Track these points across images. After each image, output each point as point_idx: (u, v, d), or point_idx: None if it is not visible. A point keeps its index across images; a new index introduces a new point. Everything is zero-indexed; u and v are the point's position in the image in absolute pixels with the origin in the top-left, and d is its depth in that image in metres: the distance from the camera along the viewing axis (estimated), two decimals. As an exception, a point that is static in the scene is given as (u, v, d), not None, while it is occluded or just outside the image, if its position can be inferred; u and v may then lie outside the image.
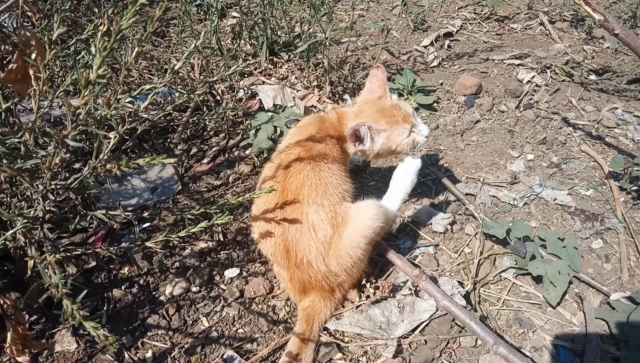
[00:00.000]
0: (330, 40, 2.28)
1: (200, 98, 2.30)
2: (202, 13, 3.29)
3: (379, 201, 1.47)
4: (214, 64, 2.63)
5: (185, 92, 2.21)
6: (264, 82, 2.51)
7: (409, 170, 1.50)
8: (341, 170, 1.47)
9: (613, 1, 3.39)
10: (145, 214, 1.76)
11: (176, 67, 1.14)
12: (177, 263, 1.59)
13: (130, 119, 1.14)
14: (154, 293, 1.50)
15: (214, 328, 1.40)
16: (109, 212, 1.30)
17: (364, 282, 1.44)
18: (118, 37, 0.89)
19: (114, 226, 1.69)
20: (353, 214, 1.36)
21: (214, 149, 2.14)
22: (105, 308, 1.43)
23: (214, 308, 1.46)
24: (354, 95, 2.50)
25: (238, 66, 1.33)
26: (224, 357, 1.31)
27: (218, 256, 1.64)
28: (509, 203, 1.83)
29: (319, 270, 1.30)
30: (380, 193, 1.94)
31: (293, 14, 2.84)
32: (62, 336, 1.33)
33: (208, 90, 2.35)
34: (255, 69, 2.61)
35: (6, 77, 1.25)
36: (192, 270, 1.57)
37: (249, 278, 1.56)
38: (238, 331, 1.40)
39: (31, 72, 1.25)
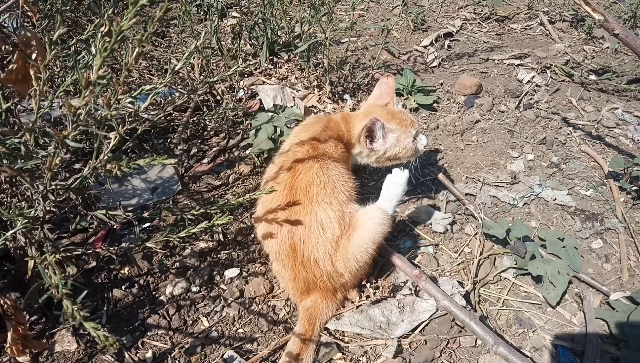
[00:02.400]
0: (330, 41, 2.28)
1: (200, 98, 2.30)
2: (202, 13, 3.29)
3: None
4: (214, 64, 2.64)
5: (185, 92, 2.21)
6: (264, 82, 2.51)
7: (397, 182, 1.46)
8: (345, 169, 1.49)
9: (613, 1, 3.39)
10: (146, 214, 1.76)
11: (176, 68, 1.14)
12: (177, 263, 1.60)
13: (130, 119, 1.14)
14: (154, 293, 1.50)
15: (214, 328, 1.40)
16: (109, 212, 1.30)
17: (364, 282, 1.45)
18: (119, 38, 0.89)
19: (114, 226, 1.69)
20: (362, 220, 1.37)
21: (214, 149, 2.14)
22: (105, 308, 1.44)
23: (214, 308, 1.46)
24: (354, 95, 2.51)
25: (238, 66, 1.32)
26: (224, 357, 1.31)
27: (218, 256, 1.64)
28: (508, 203, 1.83)
29: (325, 269, 1.30)
30: (379, 193, 1.94)
31: (293, 14, 2.84)
32: (62, 336, 1.33)
33: (208, 90, 2.35)
34: (255, 69, 2.61)
35: (7, 77, 1.25)
36: (192, 270, 1.57)
37: (249, 278, 1.56)
38: (238, 331, 1.40)
39: (31, 72, 1.26)
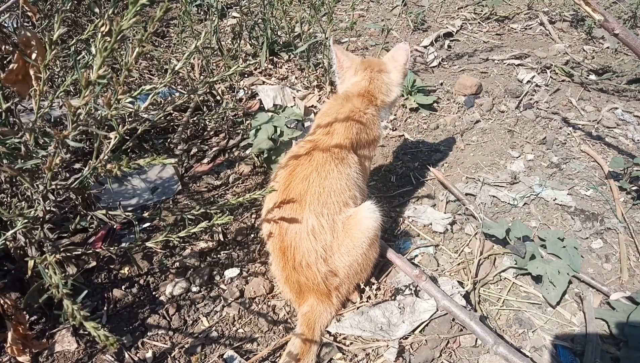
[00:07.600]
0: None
1: (200, 98, 2.30)
2: (202, 13, 3.29)
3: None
4: (214, 64, 2.64)
5: (185, 92, 2.22)
6: (264, 82, 2.51)
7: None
8: (353, 167, 1.45)
9: (613, 1, 3.39)
10: (146, 214, 1.76)
11: (176, 68, 1.14)
12: (177, 263, 1.60)
13: (130, 119, 1.14)
14: (154, 293, 1.50)
15: (214, 328, 1.40)
16: (109, 212, 1.30)
17: (362, 287, 1.44)
18: (119, 38, 0.89)
19: (114, 226, 1.69)
20: (354, 218, 1.38)
21: (214, 149, 2.14)
22: (105, 308, 1.44)
23: (214, 308, 1.46)
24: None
25: (238, 66, 1.32)
26: (224, 356, 1.31)
27: (218, 256, 1.64)
28: (508, 203, 1.83)
29: (318, 270, 1.30)
30: (380, 193, 1.94)
31: (293, 14, 2.85)
32: (62, 336, 1.33)
33: (208, 90, 2.35)
34: (255, 69, 2.62)
35: (7, 77, 1.25)
36: (192, 270, 1.57)
37: (249, 278, 1.56)
38: (238, 331, 1.40)
39: (32, 72, 1.25)
